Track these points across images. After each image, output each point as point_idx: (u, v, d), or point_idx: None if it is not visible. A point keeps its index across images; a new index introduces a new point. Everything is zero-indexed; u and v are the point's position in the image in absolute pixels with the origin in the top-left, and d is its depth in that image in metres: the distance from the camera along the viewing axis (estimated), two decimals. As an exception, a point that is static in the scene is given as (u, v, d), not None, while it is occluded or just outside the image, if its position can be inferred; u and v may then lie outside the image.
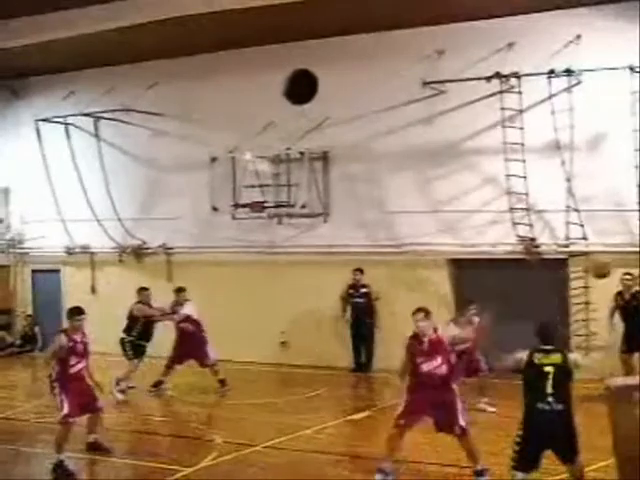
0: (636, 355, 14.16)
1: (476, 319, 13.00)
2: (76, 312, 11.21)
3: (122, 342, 15.18)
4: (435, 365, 9.76)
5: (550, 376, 8.29)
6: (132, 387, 15.14)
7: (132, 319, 15.20)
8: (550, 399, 8.26)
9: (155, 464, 10.87)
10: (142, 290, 15.51)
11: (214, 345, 15.49)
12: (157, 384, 15.26)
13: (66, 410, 10.79)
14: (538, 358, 8.45)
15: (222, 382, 15.29)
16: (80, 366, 11.00)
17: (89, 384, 11.16)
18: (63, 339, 10.94)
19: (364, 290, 17.28)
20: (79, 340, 11.03)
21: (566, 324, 16.02)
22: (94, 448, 11.47)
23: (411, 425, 9.86)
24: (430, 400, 9.70)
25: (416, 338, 9.88)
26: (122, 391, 14.80)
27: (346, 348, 17.44)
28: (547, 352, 8.48)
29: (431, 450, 11.03)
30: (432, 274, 17.02)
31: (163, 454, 11.41)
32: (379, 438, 11.27)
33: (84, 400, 11.02)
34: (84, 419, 11.33)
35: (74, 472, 10.61)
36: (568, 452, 8.48)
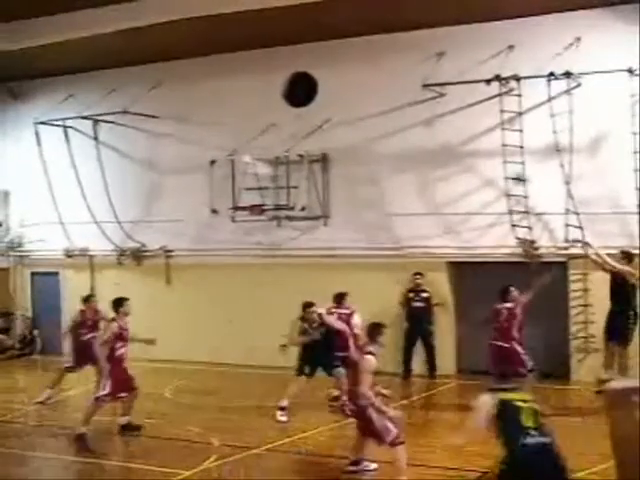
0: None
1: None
2: (123, 300, 12.69)
3: None
4: None
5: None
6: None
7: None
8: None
9: (155, 467, 10.88)
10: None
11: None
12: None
13: (107, 390, 12.12)
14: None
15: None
16: (123, 350, 12.50)
17: (127, 366, 12.59)
18: (115, 326, 12.42)
19: (424, 295, 16.87)
20: (125, 326, 12.57)
21: (565, 326, 16.05)
22: (128, 429, 12.49)
23: None
24: None
25: None
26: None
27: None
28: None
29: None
30: (431, 276, 17.01)
31: (162, 457, 11.39)
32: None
33: (124, 380, 12.40)
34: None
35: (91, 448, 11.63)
36: None
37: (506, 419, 7.83)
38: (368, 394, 9.77)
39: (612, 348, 14.22)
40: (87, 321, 15.01)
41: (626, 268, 14.12)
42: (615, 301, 14.25)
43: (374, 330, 10.38)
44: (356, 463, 10.41)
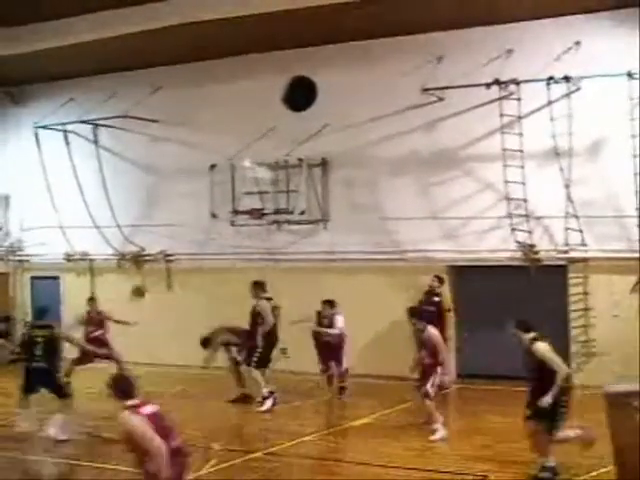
0: None
1: None
2: None
3: None
4: None
5: None
6: None
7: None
8: None
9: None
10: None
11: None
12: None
13: None
14: None
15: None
16: None
17: None
18: None
19: (436, 299, 16.54)
20: None
21: (565, 331, 16.04)
22: None
23: None
24: None
25: None
26: None
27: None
28: None
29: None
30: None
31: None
32: (377, 444, 11.30)
33: None
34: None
35: None
36: None
37: None
38: None
39: None
40: (93, 319, 16.16)
41: None
42: None
43: None
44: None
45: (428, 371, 12.36)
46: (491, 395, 15.40)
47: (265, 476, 10.83)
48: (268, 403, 14.42)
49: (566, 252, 15.85)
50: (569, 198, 15.60)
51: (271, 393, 14.55)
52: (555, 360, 9.78)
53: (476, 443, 11.96)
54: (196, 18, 15.95)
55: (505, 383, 15.73)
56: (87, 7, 16.15)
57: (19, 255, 22.10)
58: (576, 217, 15.58)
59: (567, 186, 15.60)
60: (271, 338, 15.00)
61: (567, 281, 16.04)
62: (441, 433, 12.20)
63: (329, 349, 15.40)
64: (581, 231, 15.55)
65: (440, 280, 16.67)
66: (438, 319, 16.58)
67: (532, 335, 10.01)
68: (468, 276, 16.92)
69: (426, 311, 16.47)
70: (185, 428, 12.94)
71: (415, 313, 12.78)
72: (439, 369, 12.46)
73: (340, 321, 15.44)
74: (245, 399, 15.10)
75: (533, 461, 10.10)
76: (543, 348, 9.82)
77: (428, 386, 12.26)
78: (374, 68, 17.35)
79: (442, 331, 16.52)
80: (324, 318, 15.48)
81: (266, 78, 18.38)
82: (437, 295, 16.65)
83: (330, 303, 15.49)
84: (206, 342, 15.45)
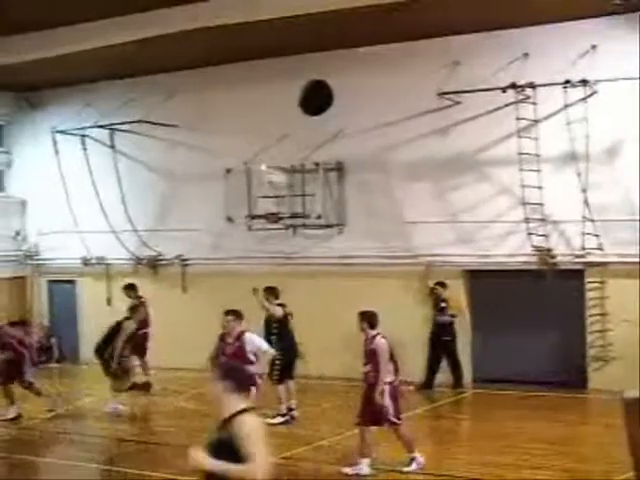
0: None
1: None
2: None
3: None
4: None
5: None
6: None
7: None
8: None
9: (169, 475, 10.89)
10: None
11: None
12: None
13: None
14: None
15: None
16: None
17: None
18: None
19: (442, 305, 16.58)
20: None
21: (582, 335, 15.96)
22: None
23: None
24: None
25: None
26: None
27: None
28: None
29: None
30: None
31: (176, 465, 11.38)
32: (394, 449, 11.27)
33: None
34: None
35: None
36: None
37: None
38: None
39: None
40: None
41: None
42: None
43: None
44: None
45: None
46: (507, 399, 15.35)
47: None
48: (279, 419, 13.82)
49: (583, 256, 15.77)
50: (586, 202, 15.53)
51: (290, 410, 14.05)
52: None
53: (491, 448, 11.92)
54: (212, 23, 15.97)
55: (520, 388, 15.71)
56: (103, 13, 16.20)
57: (36, 259, 22.20)
58: (593, 221, 15.51)
59: (584, 190, 15.53)
60: (288, 348, 14.46)
61: (584, 286, 15.96)
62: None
63: None
64: (598, 235, 15.48)
65: (443, 285, 16.67)
66: (450, 325, 16.69)
67: None
68: (484, 281, 16.86)
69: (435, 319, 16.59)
70: (200, 432, 13.06)
71: (365, 318, 11.30)
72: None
73: None
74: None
75: (548, 466, 10.07)
76: None
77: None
78: (390, 72, 17.32)
79: (452, 337, 16.64)
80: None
81: (282, 82, 18.40)
82: (444, 301, 16.66)
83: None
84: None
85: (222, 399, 6.01)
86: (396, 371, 11.05)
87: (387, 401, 10.78)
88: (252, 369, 11.37)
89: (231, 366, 7.30)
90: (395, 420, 10.86)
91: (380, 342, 10.96)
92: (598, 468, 10.08)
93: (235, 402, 5.93)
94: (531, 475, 10.49)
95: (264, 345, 12.42)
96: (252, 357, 12.45)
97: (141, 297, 17.36)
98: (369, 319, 11.18)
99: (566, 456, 11.29)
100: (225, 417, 5.89)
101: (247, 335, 12.02)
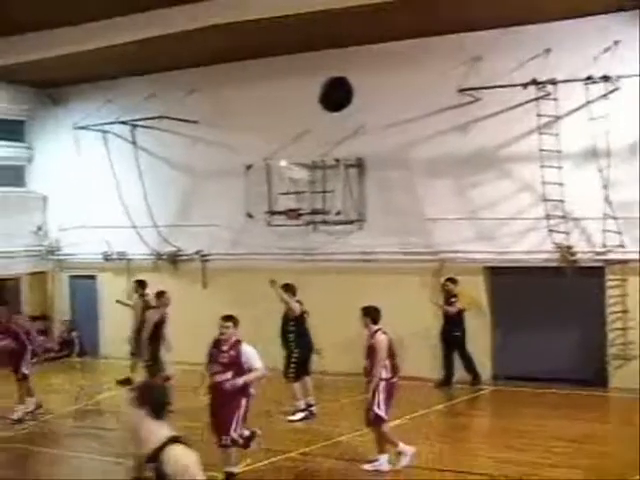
0: None
1: None
2: None
3: None
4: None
5: None
6: None
7: None
8: None
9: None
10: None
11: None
12: None
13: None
14: None
15: None
16: None
17: None
18: None
19: (452, 300, 16.70)
20: None
21: (603, 333, 15.88)
22: None
23: None
24: None
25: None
26: None
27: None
28: None
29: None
30: (468, 281, 16.91)
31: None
32: (412, 445, 11.26)
33: None
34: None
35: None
36: None
37: None
38: None
39: None
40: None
41: None
42: None
43: None
44: None
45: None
46: (527, 397, 15.30)
47: (299, 476, 10.85)
48: (300, 415, 13.98)
49: (604, 254, 15.69)
50: (607, 199, 15.45)
51: (309, 406, 14.13)
52: None
53: (511, 445, 11.89)
54: (232, 19, 16.00)
55: (541, 385, 15.65)
56: (124, 10, 16.26)
57: (57, 255, 22.35)
58: (614, 218, 15.42)
59: (605, 187, 15.45)
60: (305, 345, 14.55)
61: (605, 283, 15.88)
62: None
63: None
64: (619, 232, 15.39)
65: (453, 281, 16.70)
66: (459, 319, 16.68)
67: None
68: (504, 278, 16.81)
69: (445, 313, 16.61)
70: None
71: (367, 313, 11.33)
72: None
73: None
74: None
75: (569, 464, 10.04)
76: None
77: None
78: (411, 68, 17.29)
79: (461, 332, 16.63)
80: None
81: (302, 79, 18.36)
82: (454, 296, 16.71)
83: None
84: None
85: (143, 429, 5.08)
86: (394, 368, 11.03)
87: (380, 396, 10.80)
88: (239, 381, 10.54)
89: (147, 386, 5.99)
90: (382, 415, 10.83)
91: (380, 338, 10.96)
92: (618, 466, 10.02)
93: (158, 430, 5.04)
94: (551, 473, 10.45)
95: (257, 362, 11.00)
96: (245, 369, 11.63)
97: (145, 295, 17.10)
98: (372, 314, 11.19)
99: (586, 454, 11.26)
100: (150, 451, 5.01)
101: (244, 346, 11.28)
